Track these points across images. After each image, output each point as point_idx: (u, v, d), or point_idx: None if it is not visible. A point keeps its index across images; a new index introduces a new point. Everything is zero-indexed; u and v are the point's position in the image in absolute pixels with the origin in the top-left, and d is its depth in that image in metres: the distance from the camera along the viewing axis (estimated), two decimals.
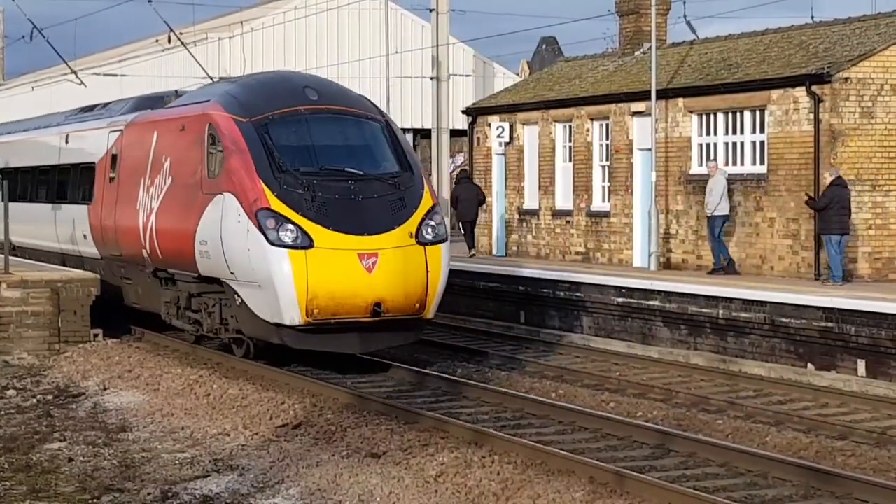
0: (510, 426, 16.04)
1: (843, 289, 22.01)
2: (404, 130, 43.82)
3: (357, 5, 42.41)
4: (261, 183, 18.42)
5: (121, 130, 23.94)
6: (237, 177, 18.73)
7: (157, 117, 22.59)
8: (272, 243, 18.11)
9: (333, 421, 15.93)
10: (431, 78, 40.01)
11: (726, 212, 25.39)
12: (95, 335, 22.91)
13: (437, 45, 39.35)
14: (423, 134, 45.47)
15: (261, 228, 18.17)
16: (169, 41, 43.86)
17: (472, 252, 31.46)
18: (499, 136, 32.84)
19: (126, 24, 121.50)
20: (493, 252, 33.45)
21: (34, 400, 18.24)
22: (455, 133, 42.48)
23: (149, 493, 12.75)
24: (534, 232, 32.03)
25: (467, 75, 43.46)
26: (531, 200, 32.19)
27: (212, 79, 41.78)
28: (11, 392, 18.82)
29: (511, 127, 32.72)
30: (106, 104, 27.43)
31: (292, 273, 18.00)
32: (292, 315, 18.18)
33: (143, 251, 22.09)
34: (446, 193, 40.38)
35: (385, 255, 18.27)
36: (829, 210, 22.98)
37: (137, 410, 17.23)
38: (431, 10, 39.53)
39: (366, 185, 18.77)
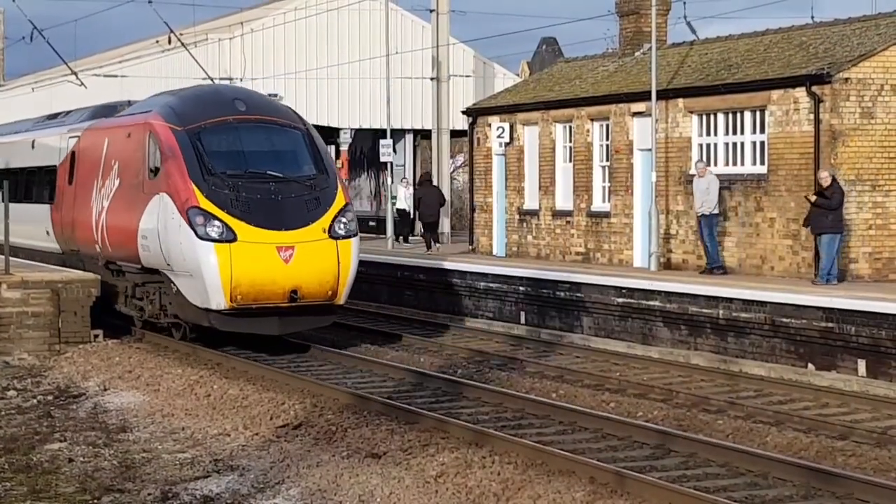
0: (510, 426, 16.05)
1: (842, 289, 22.01)
2: (405, 131, 43.95)
3: (357, 6, 42.40)
4: (192, 184, 20.71)
5: (78, 136, 26.11)
6: (172, 179, 21.06)
7: (109, 125, 24.89)
8: (200, 238, 20.42)
9: (334, 421, 15.94)
10: (431, 78, 40.01)
11: (718, 211, 25.57)
12: (96, 336, 22.93)
13: (438, 46, 39.35)
14: (423, 134, 45.46)
15: (191, 225, 20.51)
16: (169, 42, 43.92)
17: (436, 248, 33.70)
18: (499, 137, 32.84)
19: (126, 24, 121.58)
20: (494, 252, 33.46)
21: (34, 400, 18.24)
22: (455, 133, 42.47)
23: (149, 494, 12.76)
24: (534, 232, 32.03)
25: (467, 76, 43.44)
26: (531, 201, 32.19)
27: (212, 79, 41.91)
28: (12, 392, 18.83)
29: (511, 127, 32.72)
30: (69, 112, 29.70)
31: (218, 264, 20.30)
32: (218, 301, 20.52)
33: (96, 246, 24.43)
34: (446, 194, 40.42)
35: (300, 248, 20.58)
36: (832, 209, 23.03)
37: (138, 411, 17.24)
38: (431, 11, 39.55)
39: (285, 187, 21.07)
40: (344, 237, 21.10)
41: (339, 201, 21.27)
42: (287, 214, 20.74)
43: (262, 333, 21.47)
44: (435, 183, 36.15)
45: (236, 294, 20.35)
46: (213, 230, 20.40)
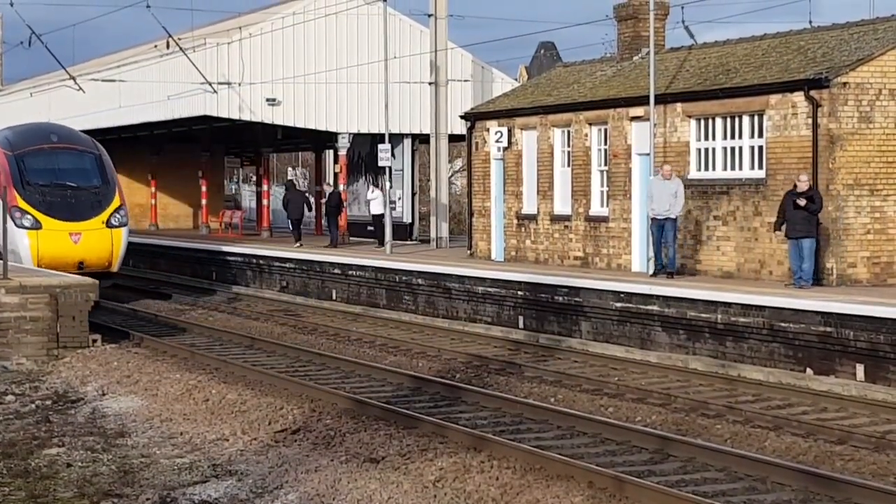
0: (509, 431, 16.04)
1: (840, 293, 22.03)
2: (403, 136, 43.92)
3: (355, 11, 42.33)
4: (15, 191, 29.60)
5: None
6: (5, 189, 28.58)
7: None
8: (18, 227, 29.25)
9: (332, 426, 15.93)
10: (430, 83, 39.98)
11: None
12: (94, 340, 22.93)
13: (436, 51, 39.33)
14: (421, 139, 45.44)
15: (13, 218, 28.80)
16: (168, 47, 43.94)
17: (298, 244, 39.53)
18: (497, 142, 32.85)
19: (125, 29, 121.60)
20: (492, 257, 33.47)
21: (33, 405, 18.23)
22: (454, 138, 42.40)
23: (147, 499, 12.75)
24: (532, 237, 32.03)
25: (466, 80, 43.38)
26: (530, 205, 32.19)
27: (210, 84, 41.92)
28: (10, 397, 18.82)
29: (509, 132, 32.73)
30: None
31: (29, 245, 29.39)
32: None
33: None
34: (445, 199, 40.42)
35: (86, 234, 29.71)
36: (816, 213, 23.40)
37: (136, 416, 17.23)
38: (430, 16, 39.51)
39: (78, 193, 30.23)
40: (116, 227, 30.35)
41: (115, 203, 30.58)
42: (77, 211, 29.85)
43: None
44: (300, 188, 45.70)
45: (42, 264, 28.67)
46: (27, 221, 29.46)
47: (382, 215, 39.66)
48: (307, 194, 46.42)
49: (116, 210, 30.36)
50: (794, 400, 18.73)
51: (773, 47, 27.63)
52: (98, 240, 29.83)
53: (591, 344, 24.71)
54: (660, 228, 25.96)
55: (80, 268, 28.83)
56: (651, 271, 26.35)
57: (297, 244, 39.67)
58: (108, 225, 30.09)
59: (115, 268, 30.35)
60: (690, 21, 55.35)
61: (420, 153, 48.97)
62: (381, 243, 38.85)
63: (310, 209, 44.03)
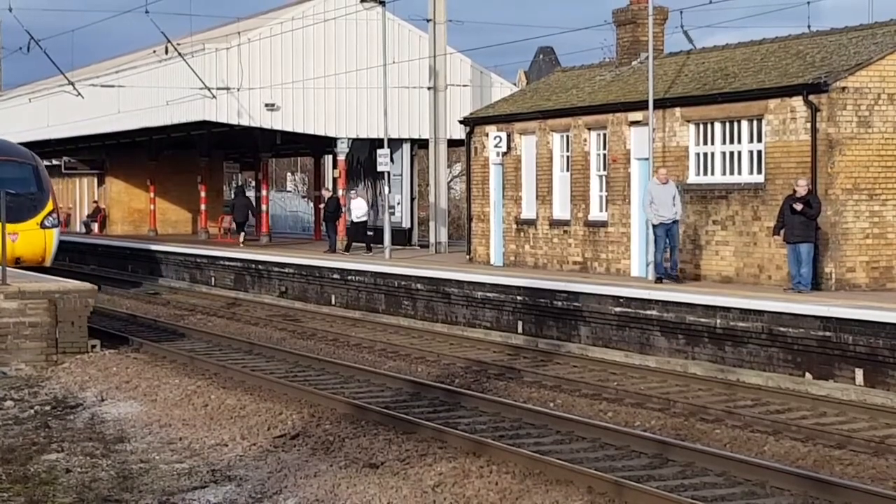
0: (508, 436, 16.04)
1: (839, 297, 22.04)
2: (402, 140, 43.94)
3: (354, 16, 42.34)
4: None
5: None
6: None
7: None
8: None
9: (331, 431, 15.93)
10: (429, 88, 40.01)
11: None
12: (93, 346, 22.92)
13: (435, 56, 39.36)
14: (420, 144, 45.46)
15: None
16: (166, 52, 43.92)
17: (242, 244, 43.54)
18: (496, 146, 32.87)
19: (123, 35, 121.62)
20: (491, 262, 33.48)
21: (32, 411, 18.23)
22: (453, 143, 42.45)
23: None
24: (531, 242, 32.04)
25: (465, 85, 43.40)
26: (529, 210, 32.21)
27: (209, 89, 41.91)
28: (9, 403, 18.81)
29: (508, 137, 32.74)
30: None
31: None
32: None
33: None
34: (444, 204, 40.43)
35: (23, 234, 32.49)
36: (814, 218, 23.43)
37: (135, 421, 17.22)
38: (429, 21, 39.54)
39: (17, 199, 31.60)
40: (49, 228, 33.79)
41: (49, 207, 34.18)
42: (15, 214, 30.95)
43: None
44: (248, 195, 50.44)
45: None
46: None
47: (364, 223, 39.85)
48: (251, 200, 52.49)
49: (49, 213, 34.26)
50: (793, 404, 18.73)
51: (771, 52, 27.65)
52: (33, 239, 33.44)
53: (591, 349, 24.71)
54: (666, 232, 25.80)
55: (17, 262, 31.24)
56: (655, 277, 26.08)
57: (241, 244, 43.87)
58: (42, 226, 33.83)
59: (48, 263, 33.78)
60: (689, 26, 55.35)
61: (419, 158, 48.99)
62: (369, 249, 38.95)
63: (253, 214, 50.17)
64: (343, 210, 41.90)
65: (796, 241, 23.59)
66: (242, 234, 45.31)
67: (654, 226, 25.91)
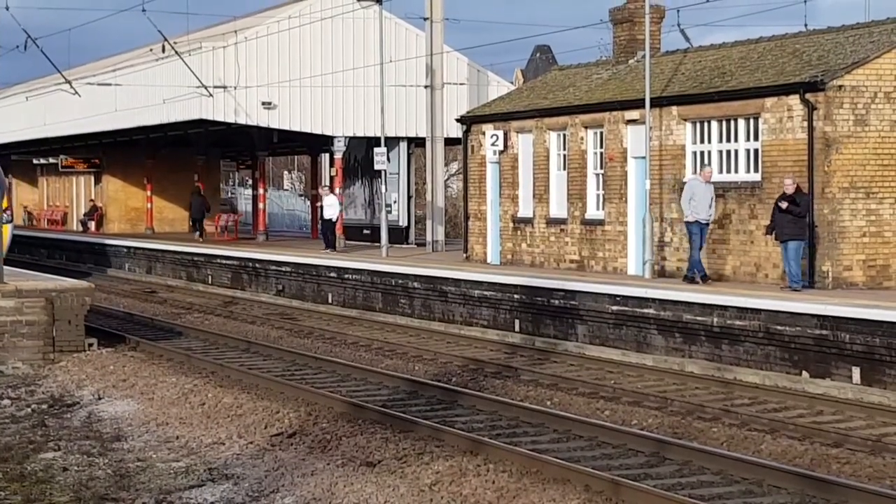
0: (505, 434, 16.04)
1: (836, 296, 22.04)
2: (399, 139, 43.95)
3: (351, 14, 42.29)
4: None
5: None
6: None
7: None
8: None
9: (328, 430, 15.93)
10: (426, 86, 40.00)
11: None
12: (90, 344, 22.91)
13: (432, 54, 39.35)
14: (417, 142, 45.43)
15: None
16: (163, 50, 43.87)
17: (198, 237, 48.62)
18: (493, 145, 32.86)
19: (120, 33, 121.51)
20: (488, 260, 33.48)
21: (28, 409, 18.22)
22: (449, 141, 42.44)
23: (143, 503, 12.74)
24: (528, 240, 32.05)
25: (461, 84, 43.40)
26: (525, 209, 32.20)
27: (206, 87, 41.88)
28: (6, 402, 18.80)
29: (505, 135, 32.73)
30: None
31: None
32: None
33: None
34: (441, 202, 40.42)
35: None
36: (801, 216, 23.47)
37: (132, 420, 17.22)
38: (426, 19, 39.52)
39: None
40: (5, 223, 33.24)
41: (3, 205, 34.19)
42: None
43: None
44: (203, 193, 53.25)
45: None
46: None
47: (332, 221, 39.90)
48: (206, 199, 54.18)
49: (4, 210, 37.13)
50: (790, 403, 18.74)
51: (768, 50, 27.66)
52: None
53: (588, 347, 24.72)
54: (701, 231, 25.62)
55: None
56: (688, 277, 25.49)
57: (199, 238, 47.78)
58: None
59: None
60: (686, 24, 55.45)
61: (416, 156, 48.97)
62: (334, 248, 39.12)
63: (208, 210, 53.15)
64: (340, 208, 41.91)
65: (785, 239, 23.64)
66: (198, 231, 50.24)
67: (688, 223, 25.61)
